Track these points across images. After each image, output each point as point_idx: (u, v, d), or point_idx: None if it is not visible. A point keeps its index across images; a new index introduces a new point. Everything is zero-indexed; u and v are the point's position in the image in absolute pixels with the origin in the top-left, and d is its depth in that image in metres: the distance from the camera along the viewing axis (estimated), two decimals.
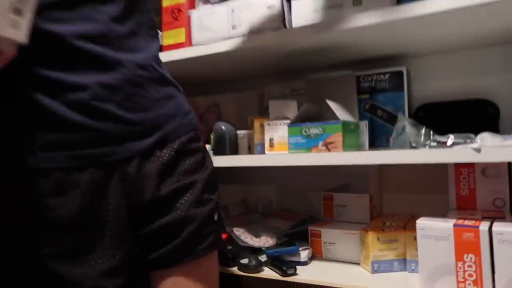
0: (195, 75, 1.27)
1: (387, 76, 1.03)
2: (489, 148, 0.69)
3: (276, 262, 0.91)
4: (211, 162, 0.76)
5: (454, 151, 0.73)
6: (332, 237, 0.97)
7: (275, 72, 1.24)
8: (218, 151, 1.07)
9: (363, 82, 1.06)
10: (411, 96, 1.09)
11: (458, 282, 0.73)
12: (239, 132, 1.08)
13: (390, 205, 1.12)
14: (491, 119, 0.97)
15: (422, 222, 0.76)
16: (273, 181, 1.30)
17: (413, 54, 1.07)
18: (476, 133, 0.79)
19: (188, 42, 1.05)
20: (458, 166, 0.94)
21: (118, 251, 0.62)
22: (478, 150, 0.70)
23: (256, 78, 1.31)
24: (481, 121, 0.98)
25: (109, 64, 0.59)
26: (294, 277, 0.86)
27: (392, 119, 1.03)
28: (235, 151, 1.07)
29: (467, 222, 0.74)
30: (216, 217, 0.71)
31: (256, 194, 1.32)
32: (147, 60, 0.64)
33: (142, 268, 0.68)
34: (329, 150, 0.85)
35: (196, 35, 1.01)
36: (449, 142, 0.80)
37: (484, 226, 0.72)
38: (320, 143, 0.86)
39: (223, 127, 1.08)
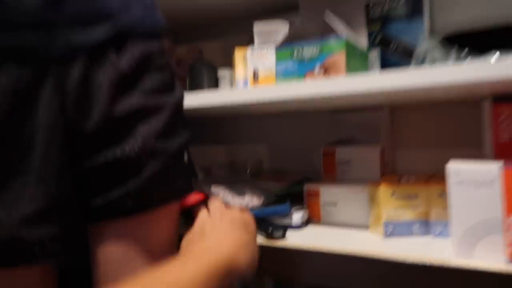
0: (174, 17, 1.07)
1: (401, 2, 0.82)
2: None
3: (261, 224, 0.71)
4: (181, 91, 0.57)
5: (499, 65, 0.52)
6: (334, 196, 0.76)
7: (267, 9, 1.03)
8: (194, 87, 0.87)
9: (373, 10, 0.85)
10: (433, 25, 0.87)
11: (507, 244, 0.52)
12: (220, 69, 0.88)
13: (405, 163, 0.91)
14: None
15: (455, 166, 0.56)
16: (264, 139, 1.09)
17: None
18: None
19: None
20: (497, 105, 0.73)
21: (49, 189, 0.44)
22: None
23: (245, 20, 1.10)
24: None
25: None
26: (282, 242, 0.65)
27: (409, 53, 0.82)
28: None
29: None
30: (186, 156, 0.53)
31: (244, 154, 1.12)
32: None
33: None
34: (328, 76, 0.65)
35: None
36: (493, 60, 0.60)
37: None
38: (317, 66, 0.65)
39: (200, 66, 0.89)
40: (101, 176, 0.46)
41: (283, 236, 0.67)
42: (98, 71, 0.45)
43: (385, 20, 0.84)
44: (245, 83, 0.80)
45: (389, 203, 0.66)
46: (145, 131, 0.48)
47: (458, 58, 0.64)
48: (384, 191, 0.66)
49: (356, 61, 0.67)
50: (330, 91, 0.63)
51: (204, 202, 0.59)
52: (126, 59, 0.47)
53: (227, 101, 0.73)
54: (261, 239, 0.67)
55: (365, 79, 0.60)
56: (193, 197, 0.93)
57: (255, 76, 0.75)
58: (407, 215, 0.66)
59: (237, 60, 0.81)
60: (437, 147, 0.87)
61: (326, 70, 0.65)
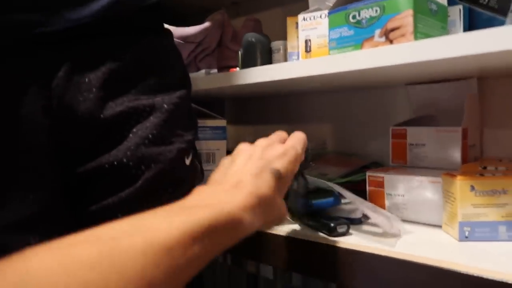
0: None
1: None
2: None
3: (315, 217, 0.62)
4: (189, 83, 0.52)
5: None
6: (400, 186, 0.65)
7: None
8: (246, 64, 0.80)
9: None
10: None
11: None
12: (273, 44, 0.80)
13: (496, 147, 0.75)
14: None
15: None
16: (328, 118, 0.99)
17: None
18: None
19: None
20: None
21: (34, 193, 0.41)
22: None
23: None
24: None
25: None
26: (344, 240, 0.56)
27: (505, 8, 0.65)
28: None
29: None
30: (188, 161, 0.47)
31: (307, 133, 1.03)
32: None
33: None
34: (391, 41, 0.53)
35: None
36: None
37: None
38: (377, 31, 0.54)
39: (252, 39, 0.81)
40: (93, 183, 0.43)
41: (347, 232, 0.57)
42: (85, 68, 0.40)
43: None
44: (296, 55, 0.71)
45: (468, 199, 0.53)
46: (138, 135, 0.43)
47: None
48: (461, 184, 0.54)
49: (430, 22, 0.54)
50: (394, 61, 0.51)
51: None
52: (118, 52, 0.42)
53: (275, 77, 0.65)
54: (316, 236, 0.58)
55: (441, 44, 0.47)
56: None
57: (307, 47, 0.65)
58: (490, 215, 0.53)
59: (289, 29, 0.72)
60: None
61: (389, 35, 0.53)
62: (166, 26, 0.86)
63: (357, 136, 0.93)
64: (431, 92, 0.78)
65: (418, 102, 0.81)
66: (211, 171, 0.90)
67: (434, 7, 0.55)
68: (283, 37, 0.99)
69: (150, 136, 0.43)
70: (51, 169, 0.41)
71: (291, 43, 0.72)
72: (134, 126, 0.43)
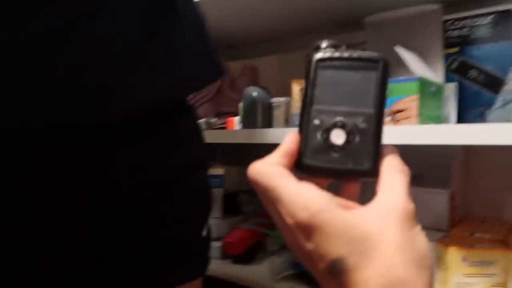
0: (228, 32, 1.03)
1: (488, 20, 0.71)
2: None
3: None
4: (201, 146, 0.51)
5: None
6: None
7: (327, 24, 0.96)
8: (247, 123, 0.83)
9: (451, 29, 0.75)
10: None
11: None
12: (274, 99, 0.83)
13: (479, 206, 0.80)
14: None
15: None
16: None
17: None
18: None
19: None
20: None
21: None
22: None
23: (303, 35, 1.04)
24: None
25: None
26: None
27: (492, 83, 0.71)
28: (268, 123, 0.82)
29: None
30: (205, 231, 0.48)
31: None
32: None
33: None
34: (396, 122, 0.57)
35: None
36: None
37: None
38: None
39: (253, 94, 0.84)
40: (109, 254, 0.43)
41: None
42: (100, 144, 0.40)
43: (465, 41, 0.74)
44: None
45: (460, 269, 0.58)
46: (153, 213, 0.43)
47: None
48: (453, 255, 0.58)
49: (430, 101, 0.59)
50: (399, 141, 0.55)
51: (258, 243, 0.52)
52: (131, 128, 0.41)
53: (277, 141, 0.68)
54: None
55: (442, 131, 0.52)
56: (245, 238, 0.88)
57: None
58: (480, 284, 0.57)
59: (294, 92, 0.75)
60: None
61: (395, 116, 0.57)
62: None
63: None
64: (423, 153, 0.83)
65: (408, 162, 0.86)
66: None
67: (433, 89, 0.59)
68: (279, 83, 1.03)
69: (167, 215, 0.44)
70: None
71: (295, 104, 0.76)
72: (148, 203, 0.43)
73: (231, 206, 0.97)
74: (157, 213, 0.44)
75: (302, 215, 0.25)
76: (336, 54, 0.29)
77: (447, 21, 0.74)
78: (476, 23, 0.72)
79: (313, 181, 0.28)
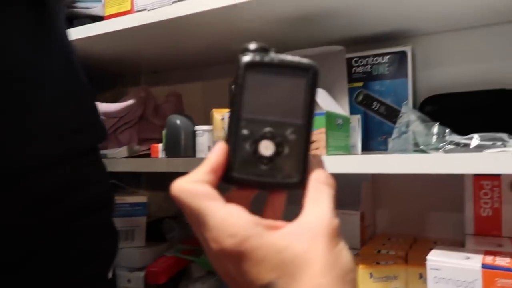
0: (152, 58, 1.03)
1: (386, 59, 0.81)
2: None
3: None
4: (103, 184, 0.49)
5: (484, 157, 0.50)
6: None
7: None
8: (171, 151, 0.84)
9: (356, 66, 0.83)
10: (416, 85, 0.86)
11: None
12: (197, 127, 0.85)
13: (386, 225, 0.89)
14: None
15: (435, 259, 0.53)
16: None
17: (419, 31, 0.84)
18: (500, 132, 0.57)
19: (133, 10, 0.81)
20: (478, 177, 0.71)
21: None
22: None
23: (226, 63, 1.08)
24: (506, 118, 0.75)
25: None
26: None
27: (391, 114, 0.80)
28: (192, 151, 0.84)
29: (500, 261, 0.52)
30: (111, 273, 0.47)
31: None
32: None
33: None
34: None
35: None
36: (473, 144, 0.58)
37: None
38: None
39: (177, 121, 0.85)
40: None
41: None
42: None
43: (368, 77, 0.83)
44: None
45: (367, 285, 0.63)
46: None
47: (439, 136, 0.63)
48: (362, 272, 0.64)
49: (338, 132, 0.65)
50: None
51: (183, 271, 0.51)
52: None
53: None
54: None
55: (347, 161, 0.58)
56: (169, 266, 0.86)
57: None
58: None
59: (215, 121, 0.78)
60: (419, 209, 0.85)
61: None
62: None
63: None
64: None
65: None
66: (130, 248, 0.89)
67: (340, 121, 0.66)
68: (203, 111, 1.06)
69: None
70: None
71: (216, 133, 0.78)
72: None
73: (156, 234, 0.96)
74: (59, 254, 0.42)
75: (229, 242, 0.25)
76: (266, 59, 0.28)
77: (351, 58, 0.82)
78: (377, 61, 0.81)
79: (240, 193, 0.29)
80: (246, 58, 0.28)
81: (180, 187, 0.27)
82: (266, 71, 0.28)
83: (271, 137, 0.27)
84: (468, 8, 0.70)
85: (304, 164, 0.28)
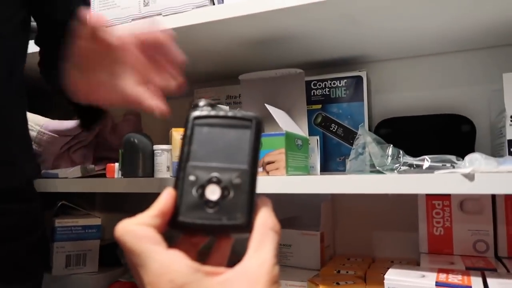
0: None
1: (343, 83, 0.83)
2: (483, 174, 0.50)
3: None
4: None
5: (435, 178, 0.52)
6: None
7: (207, 74, 1.01)
8: (128, 171, 0.81)
9: (314, 89, 0.86)
10: (371, 109, 0.89)
11: None
12: (156, 147, 0.82)
13: (345, 245, 0.90)
14: (466, 139, 0.79)
15: (392, 278, 0.54)
16: None
17: (374, 57, 0.88)
18: (449, 154, 0.60)
19: None
20: (430, 197, 0.74)
21: None
22: (471, 177, 0.49)
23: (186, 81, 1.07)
24: (455, 141, 0.80)
25: None
26: None
27: (349, 136, 0.82)
28: (150, 171, 0.81)
29: (452, 279, 0.53)
30: None
31: None
32: None
33: None
34: (267, 172, 0.62)
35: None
36: (425, 165, 0.60)
37: (477, 284, 0.51)
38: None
39: (135, 140, 0.82)
40: None
41: None
42: None
43: (326, 100, 0.85)
44: None
45: None
46: None
47: (394, 157, 0.65)
48: None
49: (297, 153, 0.66)
50: (268, 189, 0.60)
51: None
52: None
53: (159, 190, 0.68)
54: None
55: (306, 181, 0.58)
56: None
57: None
58: None
59: (174, 141, 0.76)
60: (376, 230, 0.87)
61: (265, 167, 0.62)
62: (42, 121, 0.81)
63: None
64: (293, 199, 0.91)
65: (284, 205, 0.93)
66: (81, 274, 0.84)
67: (300, 142, 0.67)
68: (162, 130, 1.04)
69: None
70: None
71: (175, 152, 0.77)
72: None
73: (110, 258, 0.91)
74: None
75: (167, 287, 0.25)
76: (213, 112, 0.30)
77: (310, 81, 0.85)
78: (335, 85, 0.84)
79: (188, 239, 0.29)
80: (195, 113, 0.30)
81: (124, 228, 0.27)
82: (213, 123, 0.30)
83: (217, 181, 0.29)
84: (419, 37, 0.75)
85: (250, 207, 0.28)
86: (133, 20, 0.71)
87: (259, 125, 0.30)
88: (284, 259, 0.81)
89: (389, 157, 0.65)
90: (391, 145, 0.66)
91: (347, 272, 0.71)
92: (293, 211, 0.91)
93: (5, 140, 0.46)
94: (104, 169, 0.87)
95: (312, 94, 0.85)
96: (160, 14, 0.69)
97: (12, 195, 0.46)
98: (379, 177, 0.56)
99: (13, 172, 0.47)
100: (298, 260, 0.80)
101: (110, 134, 0.95)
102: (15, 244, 0.46)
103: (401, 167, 0.63)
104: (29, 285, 0.47)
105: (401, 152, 0.64)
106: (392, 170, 0.63)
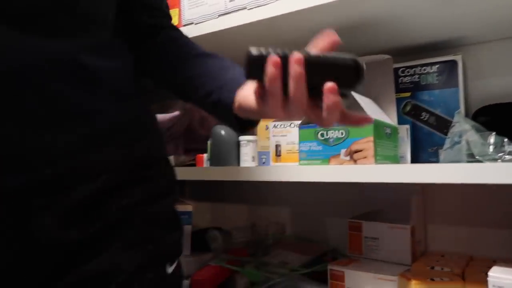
0: None
1: (435, 68, 0.78)
2: None
3: None
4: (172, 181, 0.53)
5: None
6: (360, 282, 0.71)
7: None
8: (215, 161, 0.85)
9: (403, 76, 0.81)
10: (468, 95, 0.82)
11: None
12: (241, 137, 0.85)
13: (437, 241, 0.84)
14: None
15: (497, 276, 0.50)
16: (287, 202, 1.05)
17: (470, 39, 0.81)
18: None
19: (181, 23, 0.84)
20: None
21: None
22: None
23: None
24: None
25: None
26: None
27: (442, 125, 0.77)
28: (236, 161, 0.85)
29: None
30: (171, 268, 0.47)
31: (267, 217, 1.08)
32: None
33: None
34: (355, 161, 0.61)
35: (186, 13, 0.80)
36: None
37: None
38: (343, 151, 0.62)
39: (222, 132, 0.86)
40: None
41: None
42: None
43: (416, 87, 0.80)
44: (267, 156, 0.77)
45: None
46: (113, 246, 0.43)
47: (497, 146, 0.59)
48: None
49: (386, 141, 0.63)
50: (356, 178, 0.59)
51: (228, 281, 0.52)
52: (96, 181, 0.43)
53: (246, 178, 0.71)
54: None
55: (397, 170, 0.56)
56: (214, 275, 0.87)
57: (277, 151, 0.72)
58: None
59: (259, 131, 0.78)
60: (474, 226, 0.80)
61: (353, 155, 0.61)
62: None
63: (313, 222, 1.00)
64: (384, 192, 0.88)
65: (371, 198, 0.90)
66: None
67: (388, 131, 0.64)
68: None
69: (124, 244, 0.44)
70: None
71: (261, 143, 0.79)
72: (110, 237, 0.43)
73: (200, 243, 0.97)
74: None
75: None
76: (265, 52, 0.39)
77: (398, 68, 0.81)
78: (425, 71, 0.79)
79: None
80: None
81: None
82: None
83: None
84: None
85: None
86: (219, 16, 0.74)
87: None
88: (371, 252, 0.79)
89: (491, 146, 0.60)
90: (494, 133, 0.60)
91: (441, 268, 0.67)
92: (380, 205, 0.88)
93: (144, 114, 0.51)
94: (194, 159, 0.93)
95: (400, 81, 0.81)
96: (245, 8, 0.71)
97: (154, 161, 0.51)
98: (478, 165, 0.51)
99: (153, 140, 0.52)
100: (386, 254, 0.78)
101: (199, 126, 1.01)
102: (167, 201, 0.50)
103: (506, 156, 0.57)
104: (181, 232, 0.52)
105: (505, 140, 0.59)
106: (494, 160, 0.58)
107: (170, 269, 0.49)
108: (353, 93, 0.65)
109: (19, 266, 0.40)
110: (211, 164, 0.86)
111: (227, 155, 0.84)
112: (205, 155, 0.90)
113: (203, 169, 0.82)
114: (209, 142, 0.88)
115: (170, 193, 0.52)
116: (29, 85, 0.38)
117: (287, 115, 0.42)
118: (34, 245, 0.40)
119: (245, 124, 0.51)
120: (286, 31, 0.74)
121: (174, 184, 0.54)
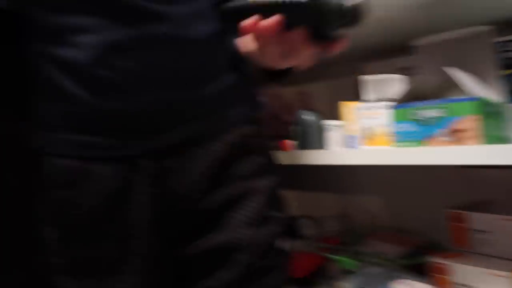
0: None
1: None
2: None
3: None
4: (277, 170, 0.55)
5: None
6: (468, 276, 0.64)
7: (374, 48, 0.94)
8: (302, 146, 0.84)
9: (506, 50, 0.70)
10: None
11: None
12: (326, 122, 0.83)
13: None
14: None
15: None
16: (380, 190, 0.99)
17: None
18: None
19: None
20: None
21: (147, 277, 0.45)
22: None
23: (352, 61, 1.03)
24: None
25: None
26: None
27: None
28: (321, 145, 0.83)
29: None
30: (281, 244, 0.50)
31: (358, 206, 1.03)
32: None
33: None
34: (456, 141, 0.54)
35: None
36: None
37: None
38: (442, 131, 0.55)
39: (307, 117, 0.85)
40: (191, 265, 0.46)
41: None
42: (192, 159, 0.45)
43: None
44: (354, 139, 0.73)
45: None
46: (235, 219, 0.46)
47: None
48: None
49: (491, 121, 0.55)
50: (458, 161, 0.52)
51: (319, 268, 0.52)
52: (221, 146, 0.46)
53: (337, 161, 0.68)
54: None
55: (506, 152, 0.48)
56: (306, 262, 0.86)
57: (366, 134, 0.67)
58: None
59: (345, 113, 0.75)
60: None
61: (453, 135, 0.54)
62: None
63: (409, 211, 0.93)
64: (493, 176, 0.78)
65: (477, 185, 0.80)
66: None
67: (494, 109, 0.56)
68: (330, 107, 1.03)
69: (247, 220, 0.46)
70: (162, 253, 0.45)
71: (349, 126, 0.75)
72: (232, 211, 0.46)
73: (290, 230, 0.97)
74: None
75: None
76: None
77: (498, 42, 0.70)
78: None
79: None
80: None
81: None
82: None
83: None
84: None
85: None
86: None
87: None
88: (480, 246, 0.70)
89: None
90: None
91: None
92: (489, 193, 0.78)
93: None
94: (277, 146, 0.92)
95: (502, 56, 0.70)
96: None
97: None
98: None
99: None
100: (497, 248, 0.68)
101: (284, 112, 1.00)
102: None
103: None
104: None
105: None
106: None
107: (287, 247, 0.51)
108: (451, 70, 0.58)
109: (156, 225, 0.45)
110: (297, 148, 0.85)
111: (313, 139, 0.83)
112: (290, 141, 0.89)
113: (290, 153, 0.80)
114: (294, 128, 0.87)
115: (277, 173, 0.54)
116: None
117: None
118: (170, 206, 0.44)
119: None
120: (381, 9, 0.68)
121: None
